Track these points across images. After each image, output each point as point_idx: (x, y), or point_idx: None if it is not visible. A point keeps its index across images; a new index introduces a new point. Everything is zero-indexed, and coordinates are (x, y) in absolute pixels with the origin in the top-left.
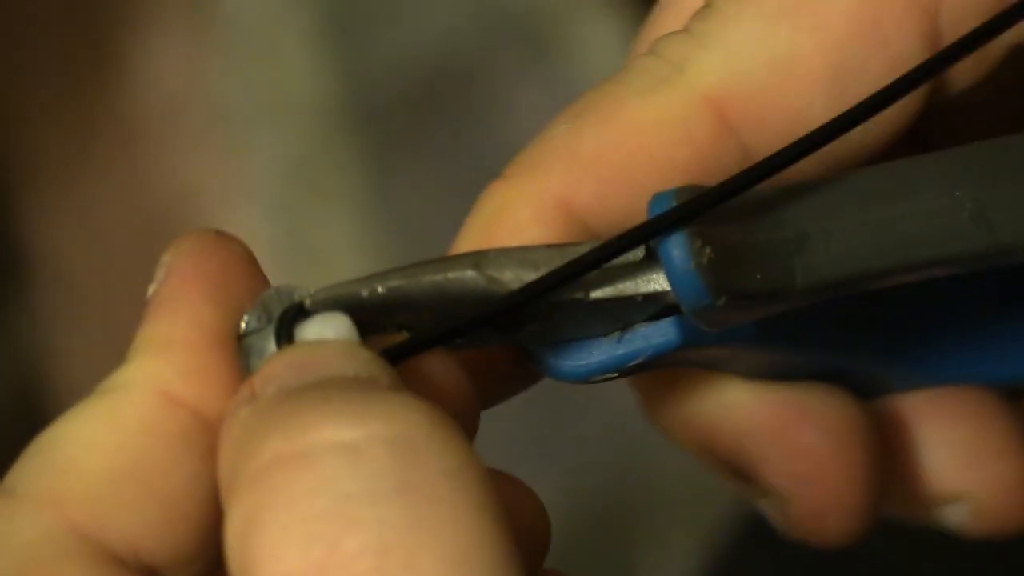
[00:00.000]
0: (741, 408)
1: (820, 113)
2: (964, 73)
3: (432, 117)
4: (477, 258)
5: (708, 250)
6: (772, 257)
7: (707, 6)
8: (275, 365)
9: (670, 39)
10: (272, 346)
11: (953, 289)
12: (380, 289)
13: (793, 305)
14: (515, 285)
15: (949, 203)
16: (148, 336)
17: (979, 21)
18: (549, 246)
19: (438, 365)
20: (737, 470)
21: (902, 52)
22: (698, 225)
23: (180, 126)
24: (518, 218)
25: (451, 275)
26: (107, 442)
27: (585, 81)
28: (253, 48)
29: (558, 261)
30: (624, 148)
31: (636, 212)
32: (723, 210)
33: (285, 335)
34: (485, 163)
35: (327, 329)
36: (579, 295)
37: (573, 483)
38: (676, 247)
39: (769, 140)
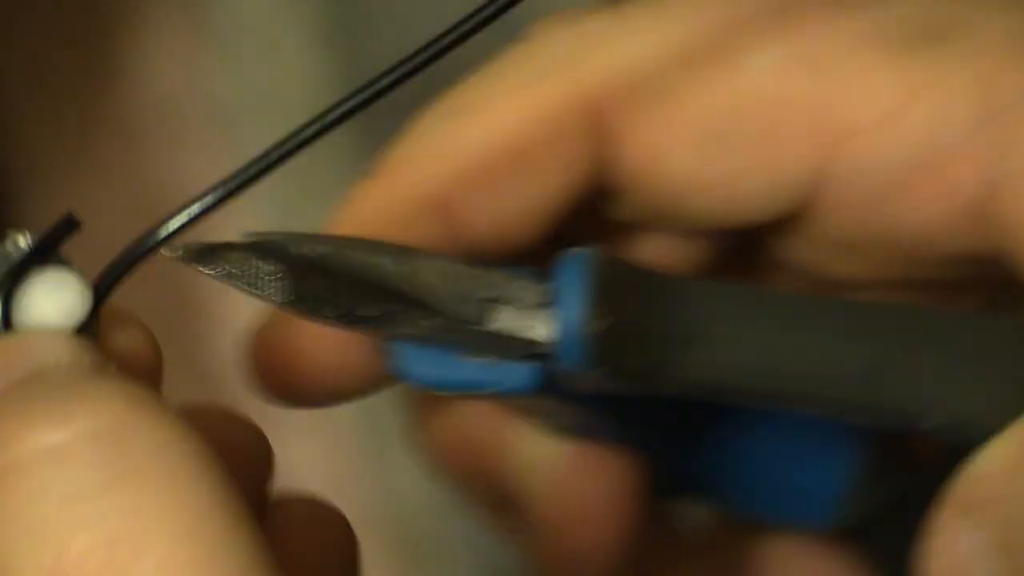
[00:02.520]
0: (535, 447)
1: (686, 162)
2: (837, 230)
3: None
4: (403, 253)
5: (603, 320)
6: (662, 344)
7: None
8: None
9: (553, 27)
10: None
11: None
12: (306, 251)
13: (667, 393)
14: (425, 293)
15: (844, 348)
16: None
17: (864, 185)
18: (465, 265)
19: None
20: (502, 502)
21: (783, 160)
22: (601, 294)
23: (180, 126)
24: (393, 218)
25: (376, 260)
26: None
27: None
28: (253, 48)
29: (474, 283)
30: (497, 143)
31: (511, 211)
32: (630, 285)
33: (9, 286)
34: None
35: (58, 289)
36: (472, 319)
37: None
38: (573, 307)
39: (631, 160)
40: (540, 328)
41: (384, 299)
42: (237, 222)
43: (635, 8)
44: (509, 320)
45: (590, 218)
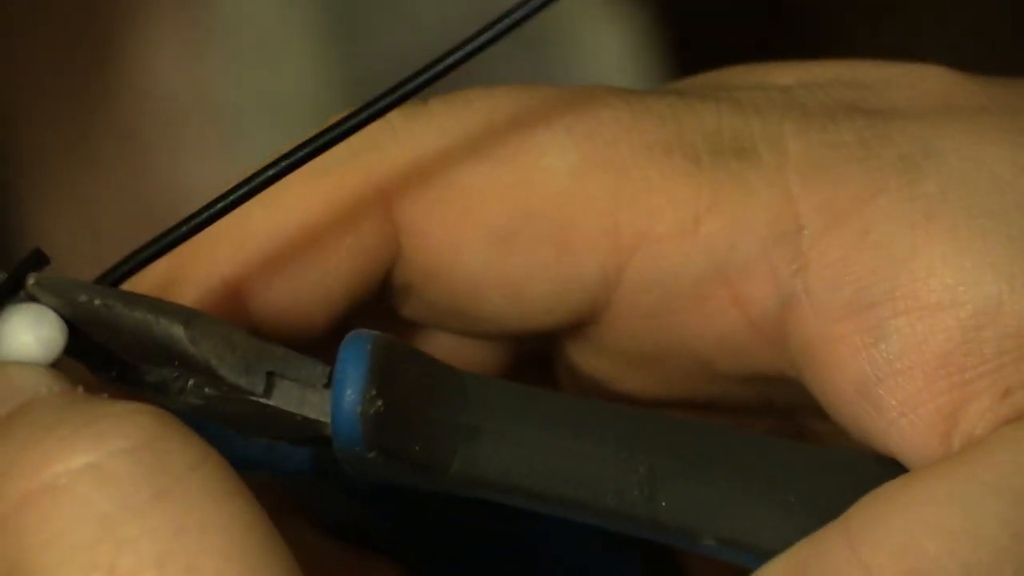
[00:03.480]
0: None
1: (475, 261)
2: (630, 336)
3: None
4: (191, 316)
5: (380, 403)
6: (439, 435)
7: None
8: None
9: (369, 130)
10: None
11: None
12: (96, 301)
13: (442, 488)
14: (210, 359)
15: (624, 459)
16: None
17: (658, 292)
18: (252, 337)
19: None
20: None
21: (577, 263)
22: (379, 375)
23: (180, 126)
24: (184, 297)
25: (162, 321)
26: None
27: (585, 81)
28: (253, 48)
29: (259, 355)
30: (287, 225)
31: (301, 297)
32: (411, 371)
33: None
34: None
35: (36, 323)
36: (258, 391)
37: None
38: (351, 387)
39: (421, 258)
40: (320, 407)
41: (168, 362)
42: None
43: (437, 101)
44: (290, 396)
45: (385, 313)
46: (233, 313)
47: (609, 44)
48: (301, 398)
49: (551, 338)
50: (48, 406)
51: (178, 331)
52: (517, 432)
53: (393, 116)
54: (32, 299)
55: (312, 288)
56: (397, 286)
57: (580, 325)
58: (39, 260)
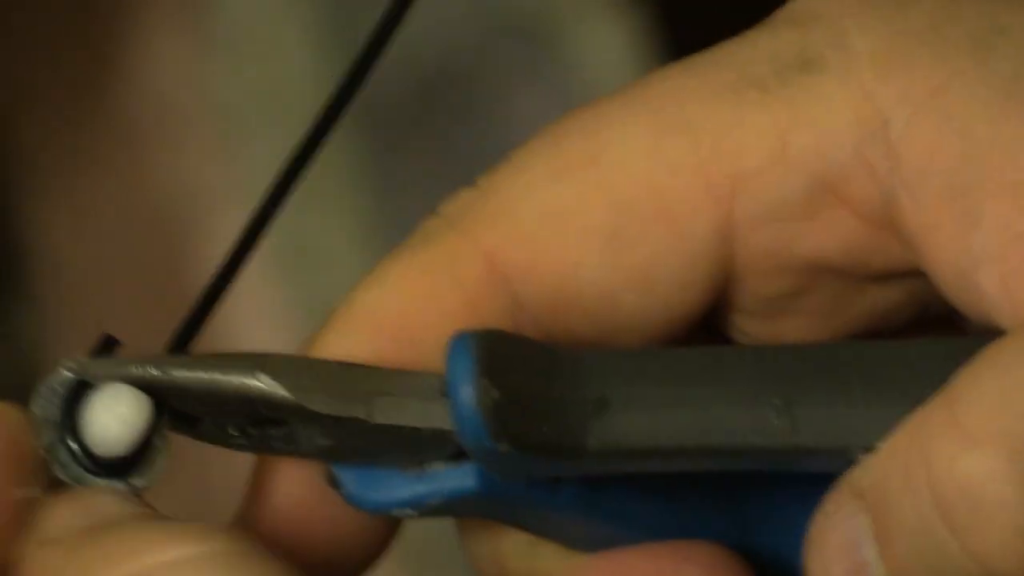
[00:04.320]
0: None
1: (594, 270)
2: (763, 277)
3: (432, 117)
4: (260, 361)
5: (495, 392)
6: (566, 414)
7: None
8: (58, 510)
9: (454, 197)
10: (59, 435)
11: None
12: (155, 373)
13: (586, 468)
14: (297, 398)
15: (757, 395)
16: None
17: (775, 228)
18: (342, 363)
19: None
20: None
21: (688, 231)
22: (490, 365)
23: (180, 126)
24: None
25: (232, 375)
26: None
27: (585, 82)
28: (253, 48)
29: (345, 380)
30: (395, 301)
31: (423, 363)
32: (523, 358)
33: (68, 420)
34: (485, 163)
35: (118, 404)
36: (360, 415)
37: None
38: (463, 382)
39: (539, 291)
40: (444, 417)
41: (257, 414)
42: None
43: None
44: (408, 413)
45: None
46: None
47: (609, 44)
48: (423, 412)
49: (696, 326)
50: (135, 518)
51: (252, 381)
52: (645, 394)
53: (480, 181)
54: (112, 380)
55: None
56: (527, 332)
57: (713, 294)
58: (109, 344)
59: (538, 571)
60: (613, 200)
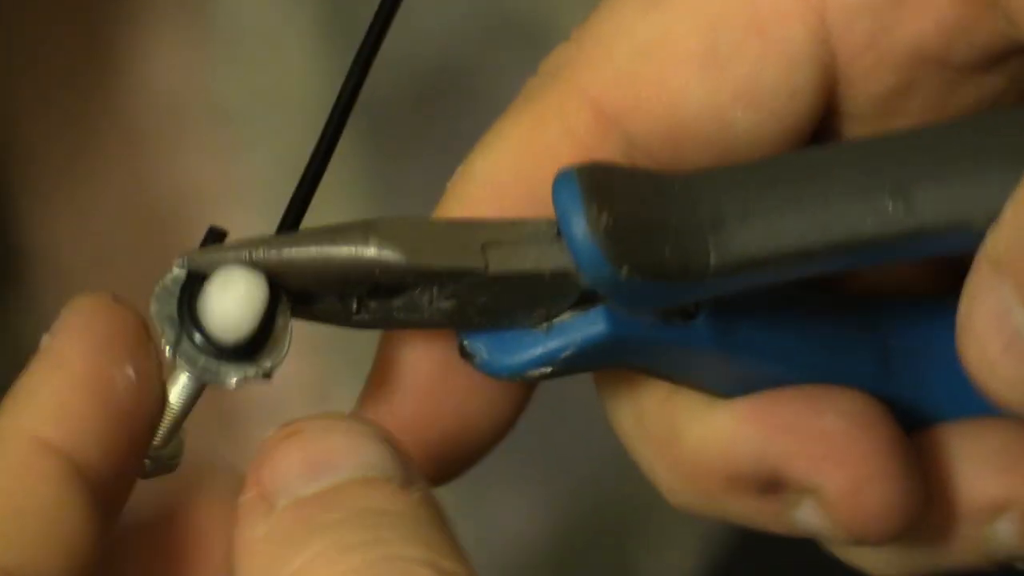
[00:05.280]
0: (742, 422)
1: (698, 95)
2: (867, 74)
3: (432, 117)
4: (369, 227)
5: (606, 217)
6: (684, 234)
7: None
8: (282, 467)
9: (552, 52)
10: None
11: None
12: (266, 254)
13: (711, 289)
14: (411, 257)
15: (868, 182)
16: (23, 386)
17: (869, 19)
18: (452, 221)
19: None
20: (761, 486)
21: (783, 37)
22: (598, 193)
23: (180, 126)
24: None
25: (340, 246)
26: None
27: None
28: (253, 48)
29: (457, 235)
30: (509, 160)
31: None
32: (628, 183)
33: (187, 315)
34: None
35: (232, 286)
36: (477, 265)
37: (571, 485)
38: (573, 214)
39: (648, 125)
40: (562, 255)
41: (376, 284)
42: (248, 224)
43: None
44: (525, 259)
45: None
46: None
47: None
48: (540, 255)
49: (808, 141)
50: (355, 497)
51: (364, 247)
52: (759, 202)
53: (573, 32)
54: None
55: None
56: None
57: (828, 107)
58: (216, 236)
59: (677, 422)
60: (705, 21)
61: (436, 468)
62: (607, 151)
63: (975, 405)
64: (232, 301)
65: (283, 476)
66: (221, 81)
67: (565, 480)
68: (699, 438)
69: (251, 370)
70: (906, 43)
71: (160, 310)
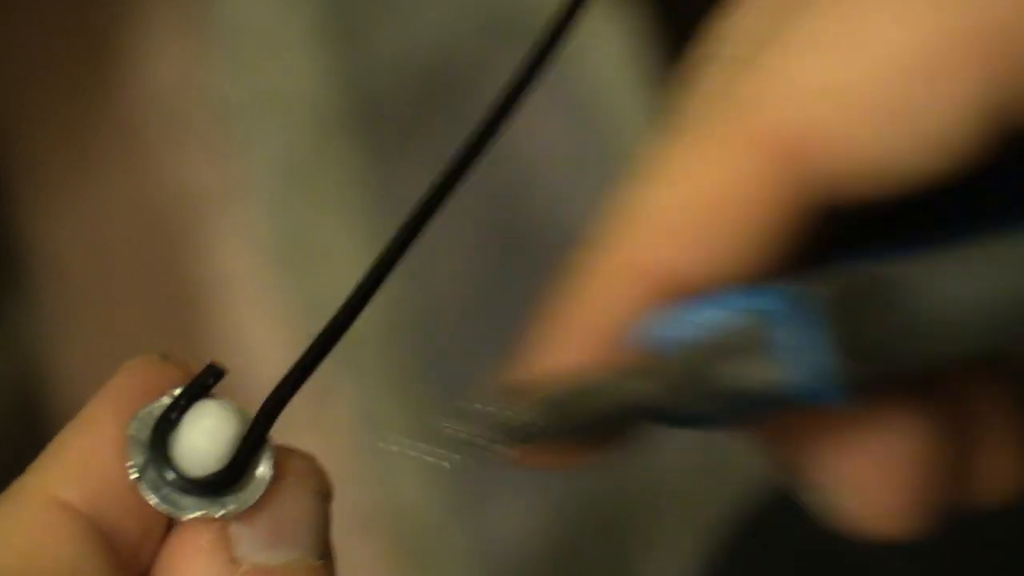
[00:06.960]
0: None
1: (880, 139)
2: None
3: (432, 117)
4: (653, 370)
5: (855, 365)
6: (902, 338)
7: (772, 33)
8: (249, 530)
9: (728, 74)
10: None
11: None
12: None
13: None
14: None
15: None
16: (52, 445)
17: None
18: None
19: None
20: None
21: (961, 87)
22: (845, 338)
23: (180, 126)
24: (608, 295)
25: (631, 389)
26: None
27: (586, 82)
28: (253, 48)
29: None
30: (684, 196)
31: (722, 262)
32: (865, 304)
33: (160, 440)
34: (485, 162)
35: (203, 418)
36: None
37: (570, 488)
38: (821, 363)
39: (829, 166)
40: (771, 369)
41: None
42: (248, 224)
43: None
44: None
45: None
46: (662, 294)
47: (609, 44)
48: (751, 373)
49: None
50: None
51: (654, 388)
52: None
53: (756, 58)
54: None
55: (732, 252)
56: (819, 216)
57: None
58: (215, 374)
59: None
60: (895, 71)
61: None
62: (785, 188)
63: None
64: (201, 436)
65: (248, 537)
66: (221, 81)
67: (564, 483)
68: None
69: (213, 509)
70: None
71: (137, 432)
